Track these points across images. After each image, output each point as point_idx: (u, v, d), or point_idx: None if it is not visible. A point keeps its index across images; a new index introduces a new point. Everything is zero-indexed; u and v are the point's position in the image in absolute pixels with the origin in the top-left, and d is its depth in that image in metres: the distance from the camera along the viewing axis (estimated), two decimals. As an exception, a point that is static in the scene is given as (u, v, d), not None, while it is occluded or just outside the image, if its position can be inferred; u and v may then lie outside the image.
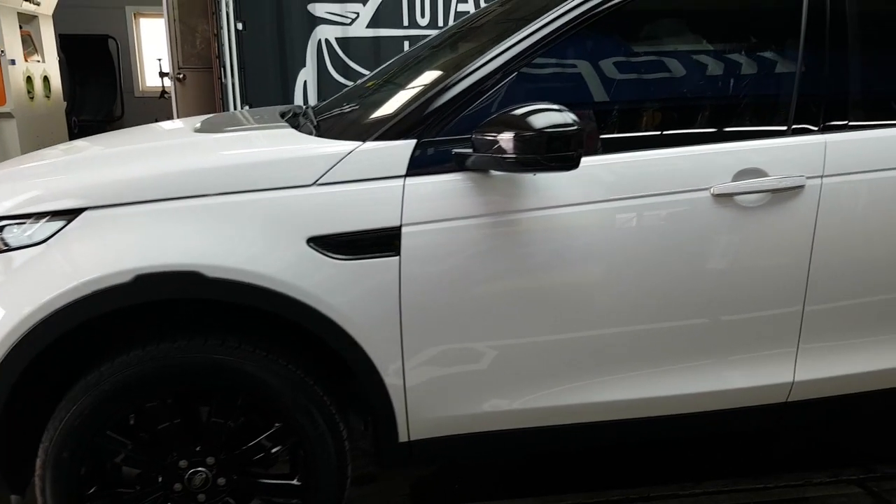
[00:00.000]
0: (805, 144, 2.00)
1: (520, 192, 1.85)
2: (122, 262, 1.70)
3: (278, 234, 1.74)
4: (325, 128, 2.08)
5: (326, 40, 6.91)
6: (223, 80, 5.74)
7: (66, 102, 8.57)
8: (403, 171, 1.81)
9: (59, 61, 9.99)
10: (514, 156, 1.69)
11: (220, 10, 5.64)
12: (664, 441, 2.69)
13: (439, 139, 1.84)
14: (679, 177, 1.93)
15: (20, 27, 7.26)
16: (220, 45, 5.69)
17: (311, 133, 2.03)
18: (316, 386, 1.85)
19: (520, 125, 1.69)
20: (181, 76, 6.43)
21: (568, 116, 1.67)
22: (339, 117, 2.18)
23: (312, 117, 2.29)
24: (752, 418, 2.17)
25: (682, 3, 2.08)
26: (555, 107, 1.69)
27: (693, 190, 1.93)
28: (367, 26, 6.85)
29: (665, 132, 2.05)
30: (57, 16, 9.29)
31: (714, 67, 2.07)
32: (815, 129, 2.02)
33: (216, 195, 1.74)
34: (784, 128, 2.02)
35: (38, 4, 7.50)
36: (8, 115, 6.88)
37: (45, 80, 7.75)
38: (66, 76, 10.22)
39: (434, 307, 1.85)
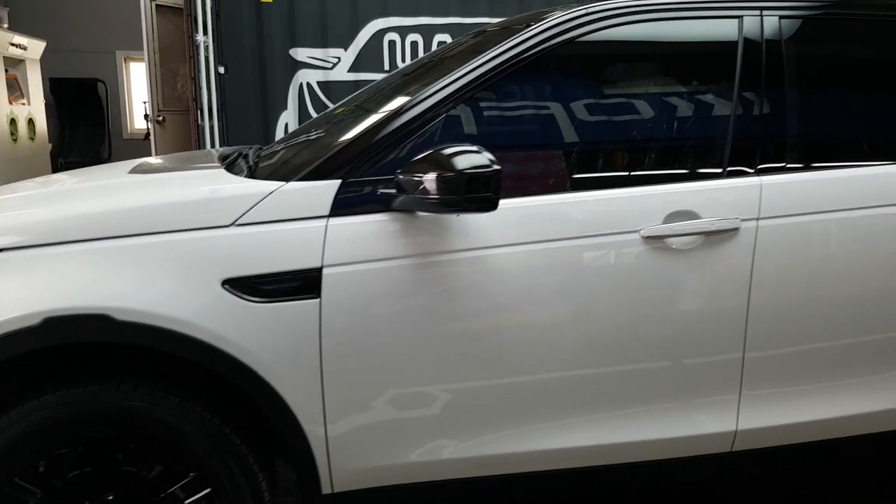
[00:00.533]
0: (740, 187, 1.97)
1: (447, 233, 1.82)
2: (32, 305, 1.65)
3: (191, 275, 1.70)
4: (258, 168, 2.06)
5: (308, 84, 7.00)
6: (200, 122, 5.77)
7: (51, 144, 8.61)
8: (327, 212, 1.78)
9: (48, 104, 10.14)
10: (436, 197, 1.67)
11: (198, 55, 5.70)
12: (605, 492, 2.60)
13: (366, 179, 1.82)
14: (609, 219, 1.90)
15: (6, 70, 7.35)
16: (198, 88, 5.73)
17: (242, 174, 2.01)
18: (233, 434, 1.78)
19: (441, 166, 1.66)
20: (160, 118, 6.48)
21: (486, 158, 1.65)
22: (273, 157, 2.16)
23: (251, 158, 2.27)
24: (696, 468, 2.09)
25: (613, 45, 2.07)
26: (474, 148, 1.67)
27: (623, 232, 1.89)
28: (349, 70, 6.95)
29: (597, 174, 2.02)
30: (47, 60, 9.44)
31: (648, 110, 2.06)
32: (751, 171, 2.00)
33: (129, 237, 1.71)
34: (719, 170, 2.00)
35: (24, 49, 7.60)
36: (-11, 157, 6.93)
37: (30, 122, 7.80)
38: (55, 119, 10.37)
39: (357, 352, 1.80)
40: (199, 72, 5.72)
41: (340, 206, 1.79)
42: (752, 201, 1.96)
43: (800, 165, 2.03)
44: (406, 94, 2.02)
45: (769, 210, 1.96)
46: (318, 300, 1.74)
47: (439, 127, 1.88)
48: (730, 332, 1.98)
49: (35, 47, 7.97)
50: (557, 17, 2.00)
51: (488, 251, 1.83)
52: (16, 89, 7.58)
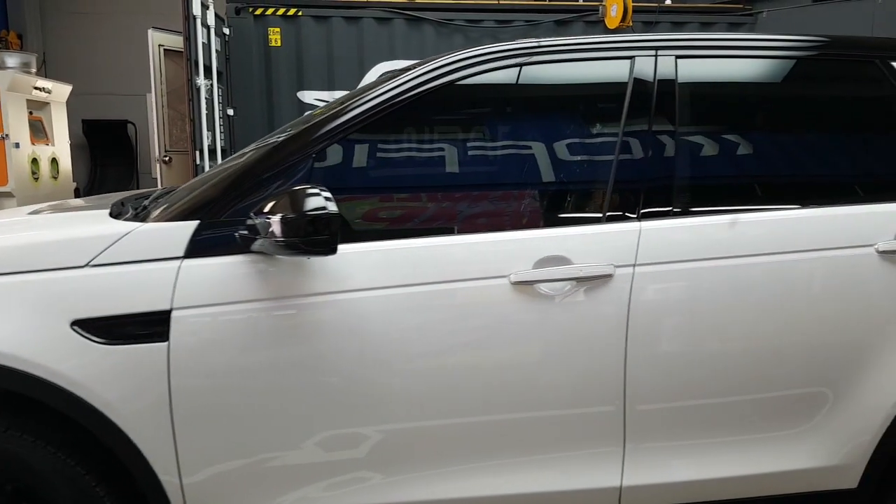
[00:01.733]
0: (616, 232, 1.91)
1: (307, 276, 1.80)
2: None
3: (42, 315, 1.72)
4: (137, 211, 2.09)
5: (313, 125, 7.12)
6: (199, 162, 5.94)
7: (75, 183, 8.96)
8: (181, 253, 1.78)
9: (81, 144, 10.60)
10: (281, 239, 1.66)
11: (198, 97, 5.90)
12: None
13: (225, 221, 1.83)
14: (478, 263, 1.86)
15: (30, 112, 7.72)
16: (197, 130, 5.91)
17: (126, 215, 2.04)
18: (88, 476, 1.78)
19: (285, 207, 1.66)
20: (167, 158, 6.70)
21: (326, 200, 1.64)
22: (155, 200, 2.19)
23: (140, 201, 2.29)
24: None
25: (495, 89, 2.04)
26: (315, 190, 1.66)
27: (492, 277, 1.85)
28: (353, 112, 7.05)
29: (470, 218, 1.99)
30: (81, 102, 9.93)
31: (529, 153, 2.02)
32: (633, 216, 1.93)
33: None
34: (599, 215, 1.95)
35: (48, 92, 7.98)
36: (9, 195, 7.24)
37: (54, 161, 8.15)
38: (87, 158, 10.84)
39: (208, 397, 1.78)
40: (199, 113, 5.91)
41: (197, 248, 1.79)
42: (628, 247, 1.89)
43: (684, 211, 1.96)
44: (283, 134, 2.03)
45: (647, 256, 1.89)
46: (166, 344, 1.74)
47: (309, 168, 1.88)
48: (608, 383, 1.89)
49: (60, 91, 8.36)
50: (441, 59, 2.00)
51: (349, 295, 1.81)
52: (40, 130, 7.94)
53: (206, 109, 6.04)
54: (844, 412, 1.98)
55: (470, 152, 2.04)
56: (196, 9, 5.81)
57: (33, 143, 7.73)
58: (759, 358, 1.93)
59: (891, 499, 2.07)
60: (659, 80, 2.01)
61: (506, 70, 1.99)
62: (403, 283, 1.82)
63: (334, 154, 1.94)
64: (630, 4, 7.13)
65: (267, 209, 1.71)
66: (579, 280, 1.86)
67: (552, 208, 2.00)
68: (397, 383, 1.84)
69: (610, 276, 1.87)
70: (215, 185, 1.88)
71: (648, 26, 7.64)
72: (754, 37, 2.14)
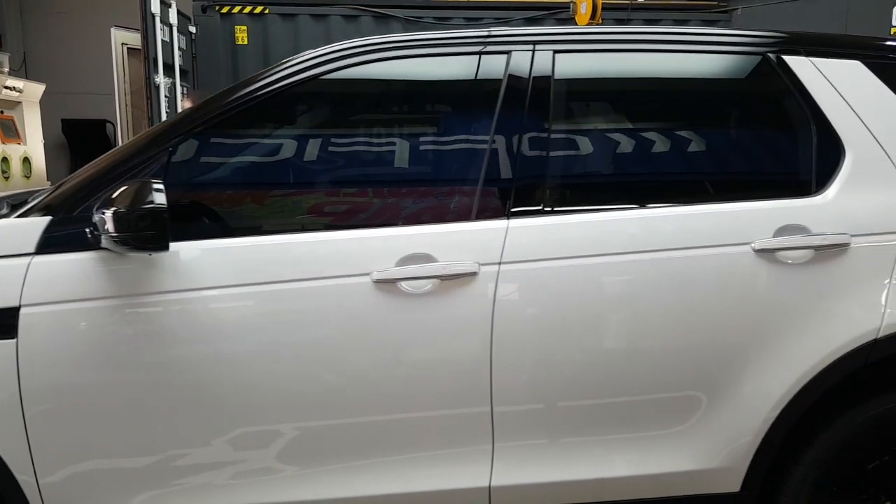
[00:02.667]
0: (482, 229, 1.87)
1: (157, 273, 1.76)
2: None
3: None
4: (11, 209, 2.06)
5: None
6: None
7: (49, 182, 8.95)
8: (32, 249, 1.75)
9: (61, 144, 10.61)
10: (115, 234, 1.63)
11: (156, 95, 5.87)
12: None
13: (78, 217, 1.79)
14: (339, 261, 1.82)
15: (1, 112, 7.71)
16: (156, 128, 5.87)
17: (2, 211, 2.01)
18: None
19: (118, 202, 1.63)
20: (131, 157, 6.67)
21: (156, 194, 1.61)
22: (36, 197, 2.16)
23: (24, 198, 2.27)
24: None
25: (362, 83, 2.00)
26: (147, 184, 1.63)
27: (353, 275, 1.81)
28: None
29: (333, 214, 1.96)
30: (61, 102, 9.92)
31: (396, 150, 1.99)
32: (502, 214, 1.90)
33: None
34: (468, 211, 1.91)
35: (19, 91, 7.97)
36: (-24, 194, 7.23)
37: (26, 160, 8.14)
38: (66, 157, 10.85)
39: (59, 396, 1.75)
40: (158, 111, 5.89)
41: (48, 245, 1.76)
42: (494, 245, 1.86)
43: (555, 209, 1.92)
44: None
45: (513, 254, 1.85)
46: (14, 341, 1.72)
47: (165, 164, 1.84)
48: (474, 382, 1.85)
49: (33, 90, 8.34)
50: (309, 53, 1.97)
51: (202, 293, 1.78)
52: (11, 129, 7.93)
53: (167, 107, 6.03)
54: (722, 414, 1.94)
55: (336, 148, 2.01)
56: (154, 6, 5.80)
57: (4, 143, 7.71)
58: (630, 358, 1.89)
59: (790, 500, 2.03)
60: (534, 77, 1.97)
61: (378, 64, 1.95)
62: (260, 280, 1.79)
63: (195, 149, 1.91)
64: (600, 2, 7.09)
65: (106, 204, 1.67)
66: (443, 278, 1.82)
67: (420, 205, 1.96)
68: (255, 384, 1.80)
69: (475, 273, 1.83)
70: (74, 181, 1.85)
71: (621, 24, 7.60)
72: (638, 30, 2.10)
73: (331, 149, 2.01)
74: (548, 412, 1.90)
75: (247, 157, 1.98)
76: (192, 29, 6.84)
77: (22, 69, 10.53)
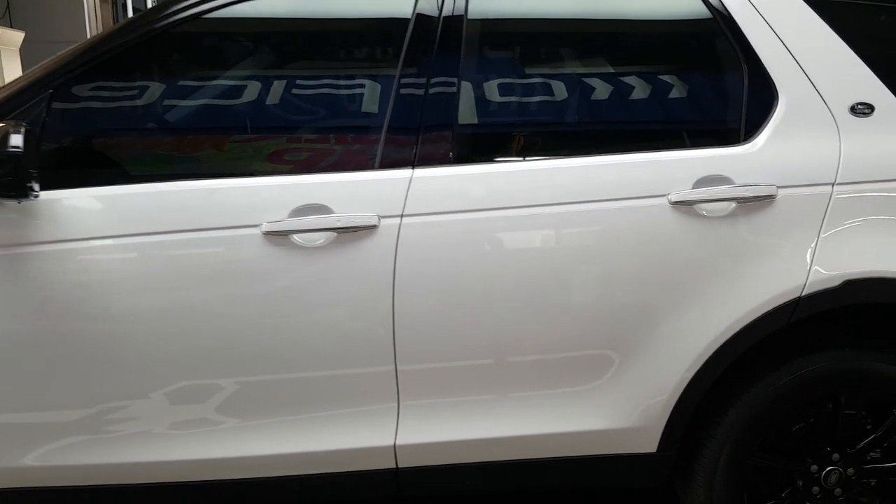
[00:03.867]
0: (384, 179, 1.77)
1: (33, 223, 1.68)
2: None
3: None
4: None
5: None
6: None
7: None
8: None
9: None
10: None
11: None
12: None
13: None
14: (228, 210, 1.74)
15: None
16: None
17: None
18: None
19: None
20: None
21: (15, 137, 1.51)
22: None
23: None
24: (365, 485, 1.91)
25: (254, 22, 1.87)
26: (7, 126, 1.54)
27: (243, 226, 1.72)
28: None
29: (225, 161, 1.86)
30: (46, 51, 9.72)
31: (292, 92, 1.86)
32: (407, 164, 1.79)
33: None
34: (371, 160, 1.81)
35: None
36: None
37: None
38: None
39: None
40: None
41: None
42: (396, 196, 1.76)
43: (464, 159, 1.81)
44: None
45: (416, 207, 1.76)
46: None
47: (45, 108, 1.73)
48: (377, 340, 1.78)
49: (11, 38, 8.16)
50: None
51: (81, 244, 1.70)
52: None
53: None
54: (636, 373, 1.86)
55: (229, 92, 1.89)
56: (121, -51, 5.60)
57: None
58: (538, 315, 1.81)
59: (698, 465, 1.98)
60: (445, 16, 1.84)
61: (271, 1, 1.83)
62: (143, 231, 1.71)
63: (81, 93, 1.80)
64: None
65: None
66: (339, 231, 1.73)
67: (319, 153, 1.86)
68: (138, 339, 1.74)
69: (374, 227, 1.74)
70: None
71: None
72: None
73: (224, 93, 1.89)
74: (454, 370, 1.83)
75: (135, 102, 1.87)
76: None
77: (6, 17, 10.34)
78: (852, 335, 2.01)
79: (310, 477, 1.88)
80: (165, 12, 1.76)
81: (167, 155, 1.86)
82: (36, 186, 1.63)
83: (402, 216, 1.75)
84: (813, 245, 1.82)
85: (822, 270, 1.81)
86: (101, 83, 1.81)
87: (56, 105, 1.74)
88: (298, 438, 1.84)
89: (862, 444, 1.96)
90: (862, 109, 1.88)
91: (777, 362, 1.90)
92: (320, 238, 1.73)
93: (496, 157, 1.84)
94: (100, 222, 1.70)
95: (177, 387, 1.77)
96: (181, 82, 1.88)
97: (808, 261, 1.81)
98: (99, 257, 1.71)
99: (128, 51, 1.76)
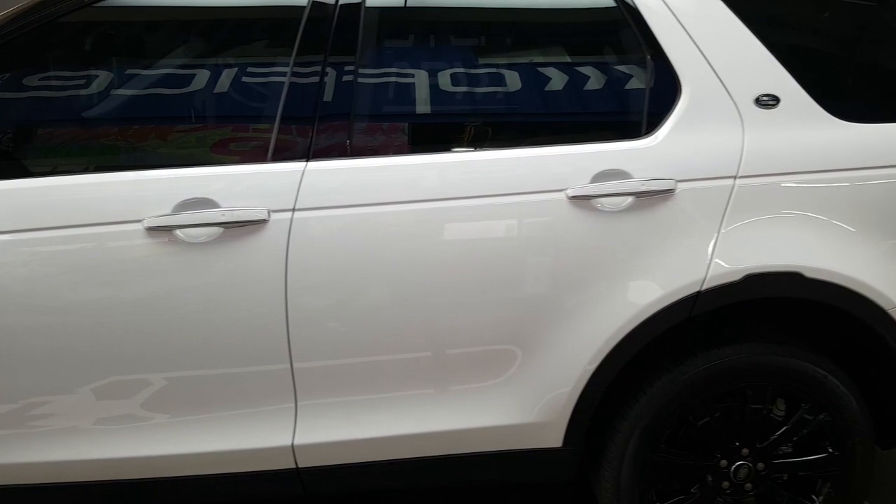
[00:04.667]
0: (275, 173, 1.72)
1: None
2: None
3: None
4: None
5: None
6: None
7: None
8: None
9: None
10: None
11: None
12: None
13: None
14: (109, 206, 1.68)
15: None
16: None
17: None
18: None
19: None
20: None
21: None
22: None
23: None
24: (267, 485, 1.87)
25: (146, 11, 1.83)
26: None
27: (125, 221, 1.67)
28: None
29: (105, 156, 1.81)
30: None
31: (185, 84, 1.81)
32: (300, 157, 1.74)
33: None
34: (265, 153, 1.76)
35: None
36: None
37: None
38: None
39: None
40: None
41: None
42: (288, 190, 1.71)
43: (360, 152, 1.77)
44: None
45: (308, 201, 1.71)
46: None
47: None
48: (271, 338, 1.74)
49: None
50: None
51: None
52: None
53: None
54: (537, 368, 1.84)
55: (119, 82, 1.83)
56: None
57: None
58: (436, 311, 1.78)
59: (605, 459, 1.96)
60: (342, 4, 1.79)
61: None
62: (21, 227, 1.65)
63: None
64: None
65: None
66: (226, 226, 1.68)
67: (210, 146, 1.81)
68: (25, 337, 1.69)
69: (264, 221, 1.69)
70: None
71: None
72: None
73: (112, 83, 1.83)
74: (351, 368, 1.80)
75: (20, 93, 1.80)
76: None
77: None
78: (758, 329, 2.00)
79: (214, 476, 1.84)
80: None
81: (54, 148, 1.80)
82: None
83: (293, 210, 1.71)
84: (714, 239, 1.79)
85: (722, 264, 1.79)
86: None
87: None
88: (199, 438, 1.80)
89: (770, 438, 1.96)
90: (767, 101, 1.85)
91: (682, 356, 1.89)
92: (205, 233, 1.68)
93: (393, 151, 1.80)
94: None
95: (67, 386, 1.72)
96: (63, 73, 1.81)
97: (709, 255, 1.79)
98: None
99: (16, 39, 1.70)
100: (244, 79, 1.82)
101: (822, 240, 1.83)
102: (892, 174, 1.87)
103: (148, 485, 1.83)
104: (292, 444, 1.82)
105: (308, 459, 1.84)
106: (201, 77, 1.82)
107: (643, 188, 1.76)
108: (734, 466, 1.97)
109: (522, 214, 1.77)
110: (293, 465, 1.85)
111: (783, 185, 1.83)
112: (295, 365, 1.77)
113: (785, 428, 1.95)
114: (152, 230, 1.66)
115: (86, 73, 1.82)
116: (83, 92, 1.80)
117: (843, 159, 1.85)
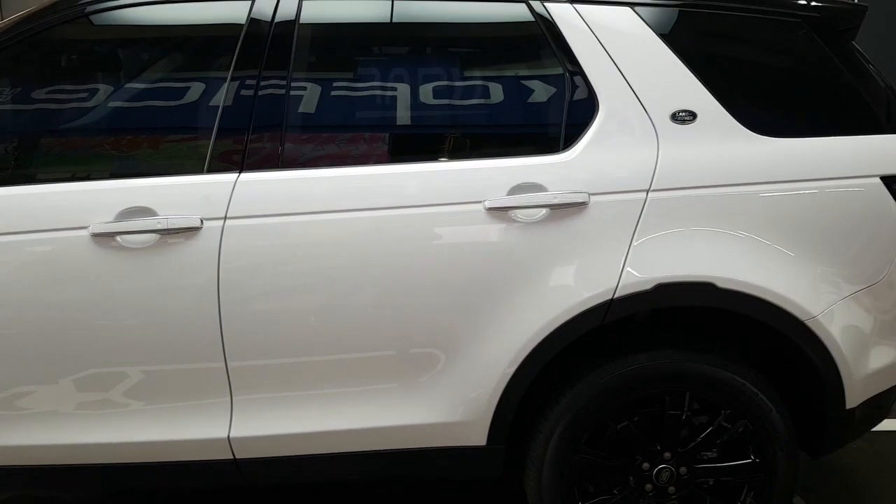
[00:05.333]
0: (208, 183, 1.86)
1: None
2: None
3: None
4: None
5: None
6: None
7: None
8: None
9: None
10: None
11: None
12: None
13: None
14: (55, 214, 1.83)
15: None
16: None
17: None
18: None
19: None
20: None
21: None
22: None
23: None
24: (203, 474, 2.01)
25: (102, 30, 1.98)
26: None
27: (69, 228, 1.83)
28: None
29: (49, 166, 1.97)
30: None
31: (128, 97, 1.96)
32: (234, 168, 1.87)
33: None
34: (201, 163, 1.89)
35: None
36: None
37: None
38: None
39: None
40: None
41: None
42: (220, 199, 1.84)
43: (288, 164, 1.89)
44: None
45: (239, 210, 1.84)
46: None
47: None
48: (206, 338, 1.87)
49: None
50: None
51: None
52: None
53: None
54: (460, 369, 1.93)
55: (67, 96, 1.99)
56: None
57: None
58: (361, 315, 1.89)
59: (529, 459, 2.04)
60: (277, 22, 1.92)
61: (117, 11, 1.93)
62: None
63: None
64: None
65: None
66: (162, 233, 1.82)
67: (149, 157, 1.95)
68: None
69: (197, 229, 1.83)
70: None
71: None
72: None
73: (60, 97, 1.99)
74: (280, 367, 1.92)
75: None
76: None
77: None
78: (675, 336, 2.06)
79: (161, 464, 1.98)
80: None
81: (10, 159, 1.97)
82: None
83: (224, 218, 1.84)
84: (626, 249, 1.87)
85: (634, 274, 1.87)
86: None
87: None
88: (147, 428, 1.94)
89: (690, 445, 2.02)
90: (683, 117, 1.92)
91: (601, 360, 1.96)
92: (143, 239, 1.82)
93: (322, 163, 1.91)
94: None
95: (31, 376, 1.89)
96: (15, 90, 1.98)
97: (621, 264, 1.87)
98: None
99: None
100: (187, 93, 1.96)
101: (735, 251, 1.89)
102: (806, 188, 1.92)
103: (111, 468, 1.97)
104: (228, 436, 1.95)
105: (244, 451, 1.96)
106: (147, 92, 1.97)
107: (556, 201, 1.84)
108: (656, 469, 2.03)
109: (443, 224, 1.87)
110: (231, 457, 1.98)
111: (697, 198, 1.89)
112: (229, 363, 1.90)
113: (704, 434, 2.01)
114: (96, 236, 1.81)
115: (37, 88, 1.98)
116: (33, 106, 1.97)
117: (759, 173, 1.91)
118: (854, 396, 2.02)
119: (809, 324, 1.92)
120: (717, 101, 1.93)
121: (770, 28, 2.03)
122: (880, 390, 2.10)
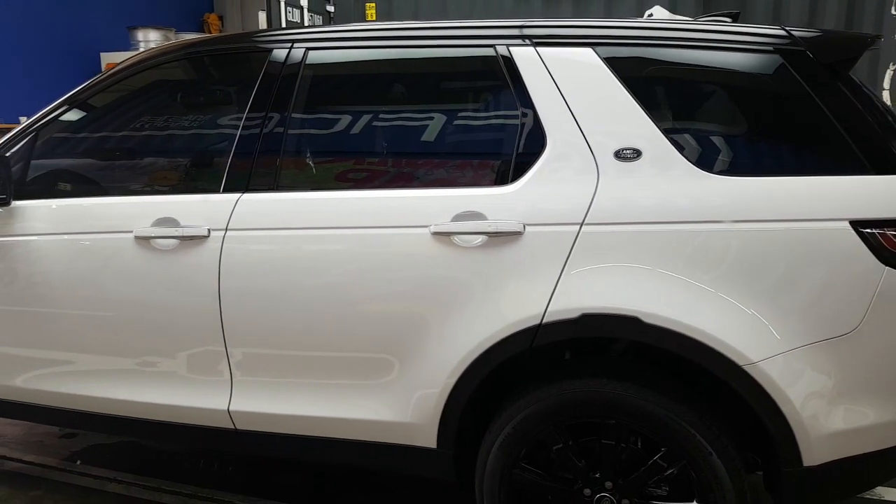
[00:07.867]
0: (219, 200, 2.29)
1: (8, 221, 2.49)
2: None
3: None
4: None
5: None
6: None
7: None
8: None
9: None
10: None
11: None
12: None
13: None
14: (111, 221, 2.39)
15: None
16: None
17: None
18: None
19: None
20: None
21: None
22: None
23: None
24: (206, 438, 2.45)
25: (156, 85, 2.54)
26: None
27: (120, 231, 2.36)
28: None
29: (107, 181, 2.60)
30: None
31: (177, 132, 2.47)
32: (241, 188, 2.29)
33: None
34: (219, 183, 2.33)
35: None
36: None
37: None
38: None
39: None
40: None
41: None
42: (224, 213, 2.27)
43: (283, 187, 2.27)
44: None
45: (236, 222, 2.25)
46: None
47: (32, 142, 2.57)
48: (210, 326, 2.31)
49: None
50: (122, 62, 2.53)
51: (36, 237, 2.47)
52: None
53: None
54: (408, 375, 2.16)
55: (132, 125, 2.60)
56: (279, -9, 6.68)
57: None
58: (328, 318, 2.19)
59: (476, 468, 2.18)
60: (287, 64, 2.32)
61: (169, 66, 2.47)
62: (67, 231, 2.43)
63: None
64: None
65: None
66: (182, 238, 2.29)
67: (185, 179, 2.47)
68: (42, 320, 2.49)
69: (205, 237, 2.27)
70: None
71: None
72: (378, 26, 2.31)
73: (120, 128, 2.61)
74: (266, 356, 2.29)
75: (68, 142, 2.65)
76: (330, 8, 7.66)
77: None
78: (609, 366, 2.11)
79: (172, 424, 2.47)
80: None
81: (90, 178, 2.58)
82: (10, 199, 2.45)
83: (226, 229, 2.26)
84: (556, 278, 1.97)
85: (562, 302, 1.96)
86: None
87: (38, 141, 2.55)
88: (164, 392, 2.42)
89: (630, 477, 2.03)
90: (627, 154, 1.97)
91: (538, 382, 2.07)
92: (171, 244, 2.30)
93: (305, 187, 2.27)
94: (46, 223, 2.47)
95: (98, 345, 2.48)
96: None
97: (550, 293, 1.97)
98: (48, 247, 2.47)
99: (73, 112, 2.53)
100: (213, 129, 2.44)
101: (666, 288, 1.90)
102: (753, 229, 1.87)
103: (133, 421, 2.51)
104: (228, 409, 2.36)
105: (242, 423, 2.37)
106: (180, 127, 2.49)
107: (492, 228, 2.00)
108: (596, 497, 2.07)
109: (394, 244, 2.12)
110: (231, 426, 2.39)
111: (633, 234, 1.93)
112: (228, 348, 2.31)
113: (642, 469, 2.01)
114: (139, 239, 2.34)
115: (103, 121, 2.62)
116: (105, 134, 2.59)
117: (700, 212, 1.90)
118: (814, 454, 1.90)
119: (749, 370, 1.86)
120: (666, 140, 1.96)
121: (741, 62, 2.00)
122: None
